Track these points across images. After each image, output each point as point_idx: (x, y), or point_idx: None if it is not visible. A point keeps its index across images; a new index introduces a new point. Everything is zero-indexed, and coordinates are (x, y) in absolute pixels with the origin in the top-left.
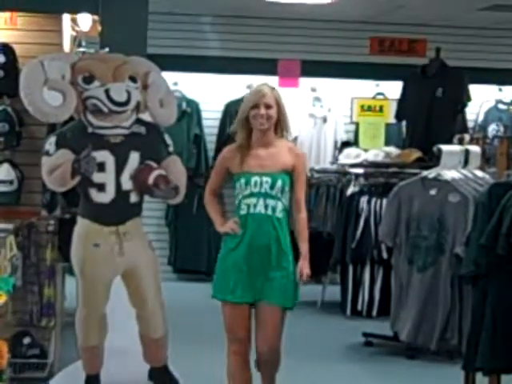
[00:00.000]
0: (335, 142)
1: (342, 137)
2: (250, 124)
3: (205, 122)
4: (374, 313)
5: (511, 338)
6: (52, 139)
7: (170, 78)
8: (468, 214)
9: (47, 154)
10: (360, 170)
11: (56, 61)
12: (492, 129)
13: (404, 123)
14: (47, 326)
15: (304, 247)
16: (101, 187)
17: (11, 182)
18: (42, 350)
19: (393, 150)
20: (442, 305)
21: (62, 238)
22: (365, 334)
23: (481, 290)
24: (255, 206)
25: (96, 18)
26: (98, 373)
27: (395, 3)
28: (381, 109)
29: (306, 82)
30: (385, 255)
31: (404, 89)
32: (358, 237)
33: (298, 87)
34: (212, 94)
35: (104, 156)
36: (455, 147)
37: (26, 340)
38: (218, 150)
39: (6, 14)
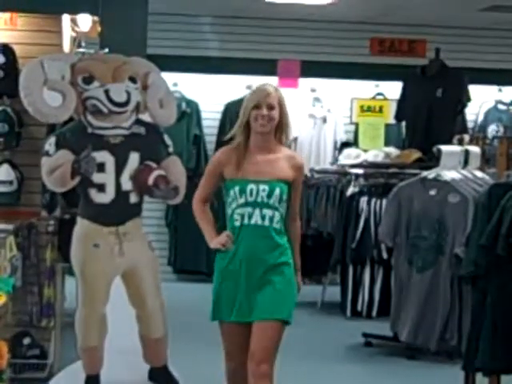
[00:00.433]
0: (335, 143)
1: (342, 137)
2: (249, 126)
3: (204, 123)
4: (374, 313)
5: (511, 338)
6: (52, 140)
7: (170, 78)
8: (468, 214)
9: (47, 154)
10: (360, 171)
11: (56, 61)
12: (492, 129)
13: (404, 124)
14: (47, 327)
15: (298, 258)
16: (101, 188)
17: (11, 183)
18: (42, 351)
19: (392, 151)
20: (442, 305)
21: (61, 238)
22: (365, 335)
23: (480, 290)
24: (250, 216)
25: (96, 18)
26: (97, 373)
27: (395, 4)
28: (380, 109)
29: (305, 83)
30: (385, 255)
31: (404, 89)
32: (357, 237)
33: (297, 88)
34: (212, 94)
35: (104, 156)
36: (455, 148)
37: (26, 340)
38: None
39: (6, 15)
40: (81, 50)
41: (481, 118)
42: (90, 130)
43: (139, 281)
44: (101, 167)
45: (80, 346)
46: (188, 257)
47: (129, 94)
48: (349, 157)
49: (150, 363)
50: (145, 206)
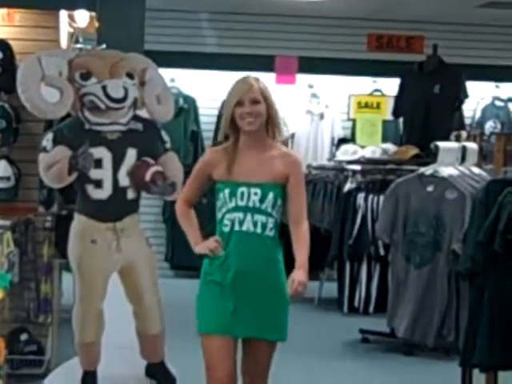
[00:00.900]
0: (332, 139)
1: (339, 133)
2: (237, 126)
3: (202, 119)
4: (371, 309)
5: (508, 334)
6: (49, 136)
7: (167, 74)
8: (465, 210)
9: (44, 150)
10: (357, 167)
11: (53, 57)
12: (489, 126)
13: (401, 120)
14: (44, 323)
15: (302, 257)
16: (98, 184)
17: (8, 179)
18: (39, 347)
19: (390, 147)
20: (439, 301)
21: (59, 234)
22: (362, 331)
23: (478, 286)
24: (241, 222)
25: (93, 14)
26: (95, 369)
27: (392, 0)
28: (378, 105)
29: (303, 79)
30: (382, 252)
31: (401, 86)
32: (355, 233)
33: (294, 84)
34: (209, 90)
35: (101, 152)
36: (452, 144)
37: (23, 336)
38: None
39: (3, 11)
40: (78, 45)
41: (478, 115)
42: (87, 126)
43: (136, 277)
44: (98, 163)
45: (77, 341)
46: (185, 253)
47: (126, 89)
48: (346, 153)
49: (147, 359)
50: (142, 202)
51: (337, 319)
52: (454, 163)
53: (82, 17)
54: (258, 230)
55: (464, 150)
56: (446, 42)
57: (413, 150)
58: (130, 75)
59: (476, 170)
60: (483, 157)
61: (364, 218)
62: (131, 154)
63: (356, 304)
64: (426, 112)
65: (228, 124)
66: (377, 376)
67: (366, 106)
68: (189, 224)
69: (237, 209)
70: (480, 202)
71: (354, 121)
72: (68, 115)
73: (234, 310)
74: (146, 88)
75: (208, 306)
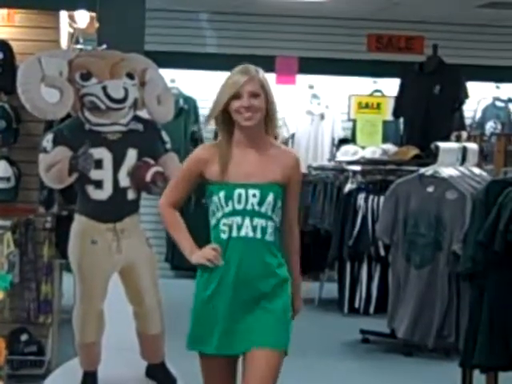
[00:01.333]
0: (332, 139)
1: (340, 134)
2: (232, 119)
3: (202, 119)
4: (372, 310)
5: (508, 335)
6: (49, 136)
7: (168, 74)
8: (465, 211)
9: (44, 151)
10: (357, 168)
11: (53, 58)
12: (489, 126)
13: (401, 120)
14: (44, 323)
15: (297, 274)
16: (98, 184)
17: (8, 179)
18: (40, 347)
19: (390, 148)
20: (440, 302)
21: (59, 234)
22: (362, 331)
23: (478, 287)
24: (240, 227)
25: (93, 14)
26: (95, 369)
27: (392, 0)
28: (378, 106)
29: (303, 79)
30: (382, 252)
31: (401, 86)
32: (355, 234)
33: (295, 84)
34: (209, 91)
35: (101, 153)
36: (453, 144)
37: (24, 337)
38: None
39: (4, 11)
40: (78, 46)
41: (478, 115)
42: (87, 127)
43: (137, 278)
44: (98, 164)
45: (77, 342)
46: None
47: (126, 90)
48: (346, 153)
49: (148, 360)
50: (142, 203)
51: (337, 320)
52: (454, 164)
53: (82, 17)
54: (258, 235)
55: (464, 150)
56: (446, 43)
57: (413, 151)
58: (130, 76)
59: (476, 170)
60: (484, 157)
61: (364, 218)
62: (131, 155)
63: (356, 304)
64: (427, 112)
65: (219, 116)
66: (377, 376)
67: (367, 106)
68: (178, 230)
69: (234, 213)
70: (480, 203)
71: (354, 121)
72: (68, 116)
73: (233, 324)
74: (146, 88)
75: (203, 323)
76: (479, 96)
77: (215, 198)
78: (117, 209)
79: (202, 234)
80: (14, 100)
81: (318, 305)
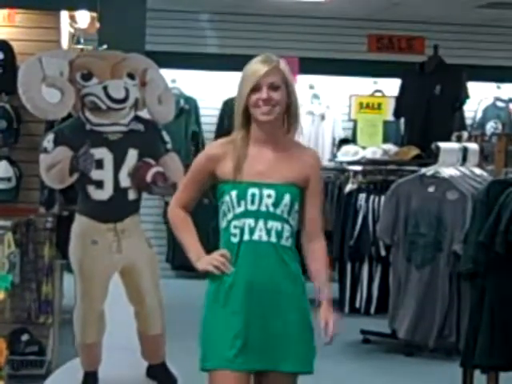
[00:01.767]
0: (333, 140)
1: (340, 134)
2: (249, 114)
3: (203, 119)
4: (372, 310)
5: (509, 335)
6: (50, 136)
7: (168, 75)
8: (466, 211)
9: (45, 151)
10: (358, 168)
11: (54, 58)
12: (490, 126)
13: (402, 120)
14: (45, 323)
15: (327, 288)
16: (99, 184)
17: (9, 179)
18: (40, 347)
19: (391, 148)
20: (440, 302)
21: (60, 235)
22: (363, 332)
23: (479, 287)
24: (252, 230)
25: (94, 14)
26: (96, 370)
27: (393, 1)
28: (379, 106)
29: (304, 80)
30: (383, 252)
31: (402, 86)
32: (356, 234)
33: (296, 84)
34: (210, 91)
35: (102, 153)
36: (453, 145)
37: (24, 337)
38: None
39: (4, 11)
40: (79, 46)
41: (479, 115)
42: (88, 127)
43: (138, 278)
44: (99, 164)
45: (78, 342)
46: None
47: (127, 90)
48: (347, 154)
49: (148, 360)
50: (143, 203)
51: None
52: (455, 164)
53: (83, 17)
54: (273, 239)
55: (465, 150)
56: (446, 43)
57: (414, 151)
58: (131, 76)
59: (477, 170)
60: (484, 157)
61: (365, 218)
62: (132, 155)
63: (357, 305)
64: (427, 113)
65: (242, 113)
66: (377, 377)
67: (367, 106)
68: (185, 232)
69: (246, 214)
70: (481, 203)
71: (355, 121)
72: (69, 116)
73: (245, 338)
74: (147, 89)
75: (214, 336)
76: (480, 96)
77: (227, 198)
78: (117, 209)
79: (202, 229)
80: (14, 100)
81: (318, 305)
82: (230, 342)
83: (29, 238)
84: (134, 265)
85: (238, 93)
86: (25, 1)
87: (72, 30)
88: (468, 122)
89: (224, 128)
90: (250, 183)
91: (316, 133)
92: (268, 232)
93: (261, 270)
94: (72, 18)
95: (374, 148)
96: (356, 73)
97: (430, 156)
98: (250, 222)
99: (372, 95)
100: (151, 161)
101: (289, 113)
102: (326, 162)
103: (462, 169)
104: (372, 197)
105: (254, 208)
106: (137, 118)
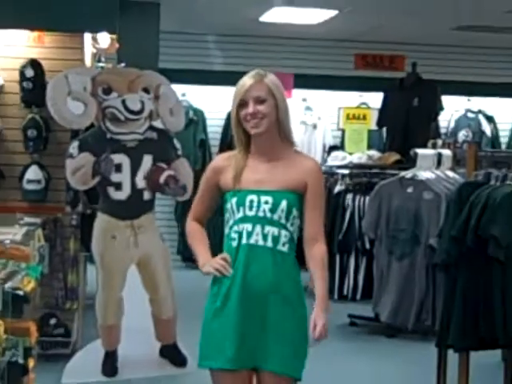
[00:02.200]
0: (324, 146)
1: (330, 142)
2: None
3: (209, 129)
4: (358, 297)
5: (479, 319)
6: (75, 144)
7: (179, 89)
8: (441, 209)
9: (71, 156)
10: (346, 171)
11: (79, 75)
12: (462, 134)
13: (384, 129)
14: (71, 309)
15: (322, 291)
16: (118, 186)
17: (39, 182)
18: (66, 330)
19: (374, 154)
20: (418, 290)
21: (83, 231)
22: (350, 316)
23: (452, 276)
24: (250, 234)
25: (114, 36)
26: (115, 349)
27: (376, 23)
28: (364, 117)
29: (298, 93)
30: (367, 246)
31: (384, 99)
32: (344, 229)
33: (291, 98)
34: (216, 103)
35: (121, 158)
36: (429, 151)
37: (52, 321)
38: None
39: (35, 34)
40: (100, 64)
41: (452, 125)
42: (108, 135)
43: (152, 268)
44: (118, 168)
45: (99, 324)
46: None
47: (143, 103)
48: (336, 159)
49: (161, 341)
50: (157, 202)
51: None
52: (430, 168)
53: (104, 39)
54: (269, 244)
55: (440, 156)
56: (424, 61)
57: (394, 156)
58: (146, 90)
59: (450, 173)
60: (457, 162)
61: (352, 216)
62: (147, 160)
63: (345, 292)
64: (406, 122)
65: (236, 128)
66: (363, 356)
67: (354, 117)
68: (196, 243)
69: (245, 219)
70: (454, 202)
71: (343, 130)
72: (92, 125)
73: (243, 339)
74: (160, 102)
75: (212, 336)
76: (453, 108)
77: (228, 206)
78: (134, 208)
79: (209, 224)
80: (44, 112)
81: (310, 292)
82: (226, 342)
83: (56, 234)
84: (149, 257)
85: (231, 109)
86: (53, 24)
87: (94, 50)
88: (442, 130)
89: (228, 136)
90: (248, 191)
91: (309, 141)
92: (264, 237)
93: (256, 273)
94: (94, 40)
95: (359, 154)
96: (344, 87)
97: (408, 161)
98: (248, 226)
99: (358, 107)
100: (164, 165)
101: (278, 124)
102: None
103: (437, 172)
104: (358, 197)
105: (252, 213)
106: (151, 128)
